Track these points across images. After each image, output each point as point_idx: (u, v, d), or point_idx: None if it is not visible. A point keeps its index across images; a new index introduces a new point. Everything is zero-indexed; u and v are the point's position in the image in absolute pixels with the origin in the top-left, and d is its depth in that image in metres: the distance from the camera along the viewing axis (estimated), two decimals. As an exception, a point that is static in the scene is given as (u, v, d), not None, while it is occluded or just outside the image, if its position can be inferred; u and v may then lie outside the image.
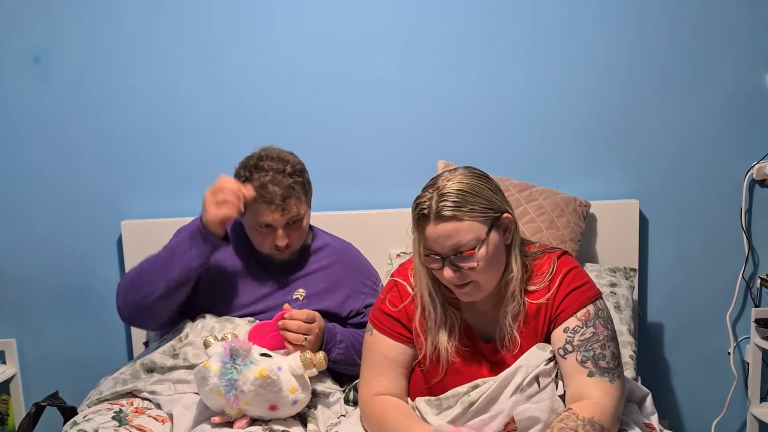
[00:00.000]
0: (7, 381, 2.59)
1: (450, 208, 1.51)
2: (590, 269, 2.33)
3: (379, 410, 1.65)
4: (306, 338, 1.84)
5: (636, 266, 2.47)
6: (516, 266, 1.61)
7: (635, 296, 2.43)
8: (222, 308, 2.02)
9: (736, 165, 2.52)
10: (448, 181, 1.55)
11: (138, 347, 2.44)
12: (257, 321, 1.94)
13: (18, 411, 2.61)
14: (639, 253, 2.50)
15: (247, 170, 1.95)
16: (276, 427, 1.73)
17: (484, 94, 2.47)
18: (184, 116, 2.48)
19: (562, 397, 1.58)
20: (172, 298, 1.93)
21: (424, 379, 1.69)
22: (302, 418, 1.82)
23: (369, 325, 1.74)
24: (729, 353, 2.62)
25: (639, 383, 1.88)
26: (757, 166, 2.50)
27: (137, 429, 1.76)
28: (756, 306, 2.59)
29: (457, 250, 1.53)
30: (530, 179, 2.40)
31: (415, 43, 2.44)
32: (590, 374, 1.54)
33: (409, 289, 1.69)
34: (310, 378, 1.81)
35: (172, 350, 1.93)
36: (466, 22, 2.43)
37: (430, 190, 1.55)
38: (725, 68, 2.46)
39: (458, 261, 1.54)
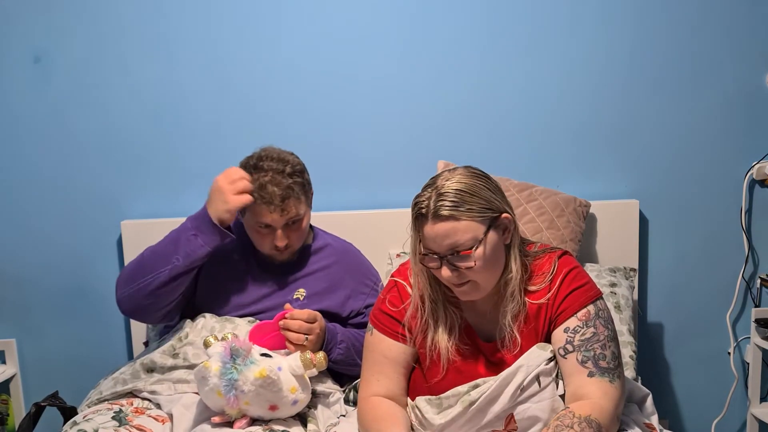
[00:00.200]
0: (7, 381, 2.59)
1: (447, 208, 1.51)
2: (590, 269, 2.33)
3: (366, 411, 1.66)
4: (307, 338, 1.84)
5: (636, 266, 2.46)
6: (515, 266, 1.61)
7: (635, 296, 2.43)
8: (222, 308, 2.02)
9: (736, 165, 2.52)
10: (446, 180, 1.55)
11: (138, 347, 2.44)
12: (257, 321, 1.94)
13: (18, 411, 2.61)
14: (639, 253, 2.50)
15: (247, 170, 1.95)
16: (276, 427, 1.74)
17: (484, 94, 2.47)
18: (184, 116, 2.47)
19: (563, 396, 1.58)
20: (172, 287, 1.92)
21: (425, 379, 1.69)
22: (302, 418, 1.82)
23: (369, 325, 1.74)
24: (729, 353, 2.62)
25: (639, 383, 1.88)
26: (757, 166, 2.50)
27: (137, 429, 1.76)
28: (756, 306, 2.59)
29: (455, 250, 1.53)
30: (530, 179, 2.40)
31: (415, 43, 2.44)
32: (590, 374, 1.55)
33: (409, 289, 1.69)
34: (310, 378, 1.81)
35: (172, 350, 1.93)
36: (466, 22, 2.43)
37: (429, 190, 1.55)
38: (725, 68, 2.46)
39: (456, 260, 1.54)
